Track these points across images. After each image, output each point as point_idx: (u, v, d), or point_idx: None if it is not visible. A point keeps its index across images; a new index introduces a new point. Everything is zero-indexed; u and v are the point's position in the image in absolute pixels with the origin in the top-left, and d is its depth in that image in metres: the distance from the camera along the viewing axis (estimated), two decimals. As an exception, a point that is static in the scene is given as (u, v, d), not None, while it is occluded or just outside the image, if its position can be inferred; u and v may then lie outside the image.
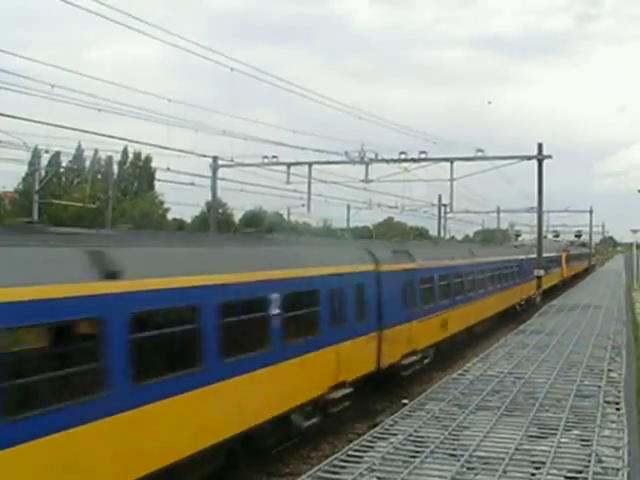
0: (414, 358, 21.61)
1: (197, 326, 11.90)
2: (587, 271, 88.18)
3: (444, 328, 25.23)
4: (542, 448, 11.08)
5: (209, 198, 45.34)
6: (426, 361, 22.85)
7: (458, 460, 10.41)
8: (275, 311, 13.98)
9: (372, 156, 36.46)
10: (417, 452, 10.85)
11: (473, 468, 10.17)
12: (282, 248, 16.53)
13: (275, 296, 14.02)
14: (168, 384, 11.13)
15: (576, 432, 12.10)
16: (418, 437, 11.75)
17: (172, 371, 11.31)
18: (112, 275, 10.19)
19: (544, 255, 44.80)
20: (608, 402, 14.26)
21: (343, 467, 10.33)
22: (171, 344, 11.55)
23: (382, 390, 19.62)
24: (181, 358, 11.71)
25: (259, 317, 13.72)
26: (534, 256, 40.26)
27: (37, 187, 39.65)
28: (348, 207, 65.51)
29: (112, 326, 10.06)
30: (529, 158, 36.51)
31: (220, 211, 57.94)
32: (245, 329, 13.45)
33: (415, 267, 22.55)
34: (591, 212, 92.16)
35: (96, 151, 52.71)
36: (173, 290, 11.44)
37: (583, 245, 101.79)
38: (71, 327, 9.95)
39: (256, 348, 13.51)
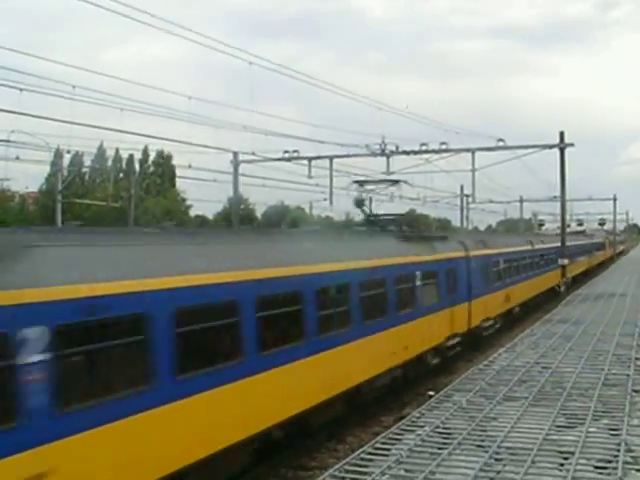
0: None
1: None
2: (619, 254, 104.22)
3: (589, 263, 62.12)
4: (570, 438, 11.00)
5: (231, 194, 45.48)
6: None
7: (486, 451, 10.37)
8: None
9: (393, 148, 36.39)
10: (444, 444, 10.82)
11: (501, 459, 10.12)
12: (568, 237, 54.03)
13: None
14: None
15: (605, 421, 12.00)
16: (445, 429, 11.72)
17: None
18: None
19: (597, 241, 79.27)
20: (636, 391, 14.13)
21: (370, 460, 10.33)
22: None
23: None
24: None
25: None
26: (595, 240, 77.10)
27: (60, 187, 39.97)
28: (370, 199, 65.43)
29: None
30: (551, 147, 36.23)
31: (242, 206, 58.12)
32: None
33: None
34: (615, 200, 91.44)
35: (117, 150, 53.03)
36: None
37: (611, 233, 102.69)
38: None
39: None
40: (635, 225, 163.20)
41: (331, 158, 38.17)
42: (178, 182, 67.09)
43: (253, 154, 37.77)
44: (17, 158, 33.80)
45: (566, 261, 39.59)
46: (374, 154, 36.72)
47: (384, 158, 36.98)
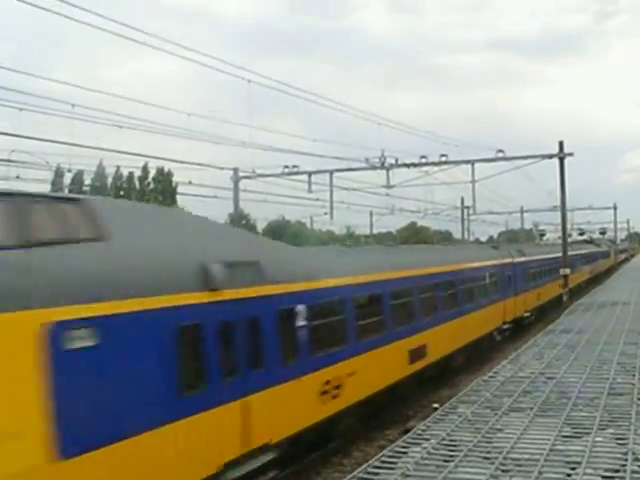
0: None
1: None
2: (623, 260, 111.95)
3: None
4: (577, 448, 10.94)
5: (232, 210, 45.53)
6: None
7: (492, 463, 10.31)
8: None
9: (393, 161, 36.48)
10: (451, 456, 10.76)
11: (508, 470, 10.07)
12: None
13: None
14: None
15: (611, 431, 11.94)
16: (451, 441, 11.66)
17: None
18: None
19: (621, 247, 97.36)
20: (642, 399, 14.08)
21: (377, 474, 10.26)
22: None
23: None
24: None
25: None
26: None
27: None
28: (371, 213, 65.59)
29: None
30: (550, 157, 36.32)
31: (243, 222, 58.18)
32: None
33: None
34: (615, 208, 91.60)
35: (118, 168, 53.18)
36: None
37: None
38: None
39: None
40: (636, 233, 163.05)
41: (331, 172, 38.27)
42: (179, 199, 67.20)
43: (253, 171, 37.86)
44: (18, 177, 33.78)
45: (568, 271, 39.63)
46: (374, 167, 36.82)
47: (384, 171, 37.08)
